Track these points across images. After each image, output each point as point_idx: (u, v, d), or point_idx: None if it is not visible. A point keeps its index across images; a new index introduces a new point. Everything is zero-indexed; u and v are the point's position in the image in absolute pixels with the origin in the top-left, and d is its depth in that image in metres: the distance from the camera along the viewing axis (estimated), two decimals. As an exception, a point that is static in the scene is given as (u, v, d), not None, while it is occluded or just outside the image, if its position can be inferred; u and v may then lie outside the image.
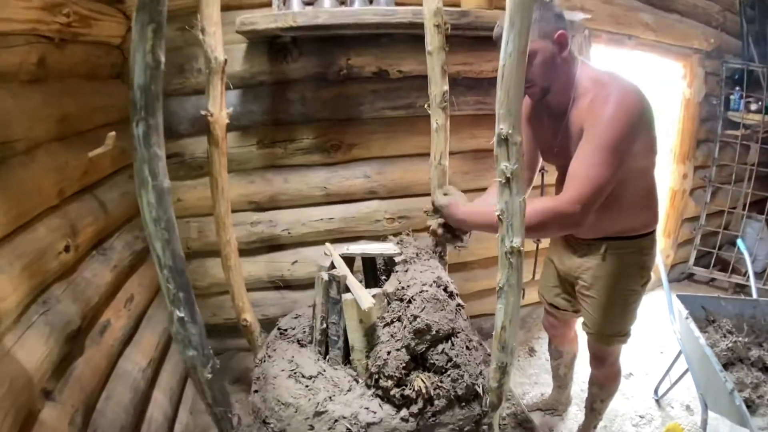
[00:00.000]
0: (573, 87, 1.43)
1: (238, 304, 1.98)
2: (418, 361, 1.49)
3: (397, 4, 1.99)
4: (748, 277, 2.39)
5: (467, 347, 1.62)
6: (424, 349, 1.46)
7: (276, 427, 1.51)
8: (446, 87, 1.69)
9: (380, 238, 2.32)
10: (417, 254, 1.78)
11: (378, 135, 2.30)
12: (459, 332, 1.58)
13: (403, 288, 1.54)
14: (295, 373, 1.58)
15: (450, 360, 1.49)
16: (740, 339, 1.99)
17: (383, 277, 1.89)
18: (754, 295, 2.20)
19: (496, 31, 1.45)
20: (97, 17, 1.75)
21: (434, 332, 1.45)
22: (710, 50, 3.05)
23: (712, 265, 3.41)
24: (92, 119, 1.77)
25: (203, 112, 1.61)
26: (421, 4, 1.67)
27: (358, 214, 2.38)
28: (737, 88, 3.15)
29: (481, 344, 1.75)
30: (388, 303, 1.53)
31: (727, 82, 3.17)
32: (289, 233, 2.36)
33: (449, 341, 1.53)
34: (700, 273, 3.48)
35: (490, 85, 2.31)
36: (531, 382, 2.50)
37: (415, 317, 1.44)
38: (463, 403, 1.52)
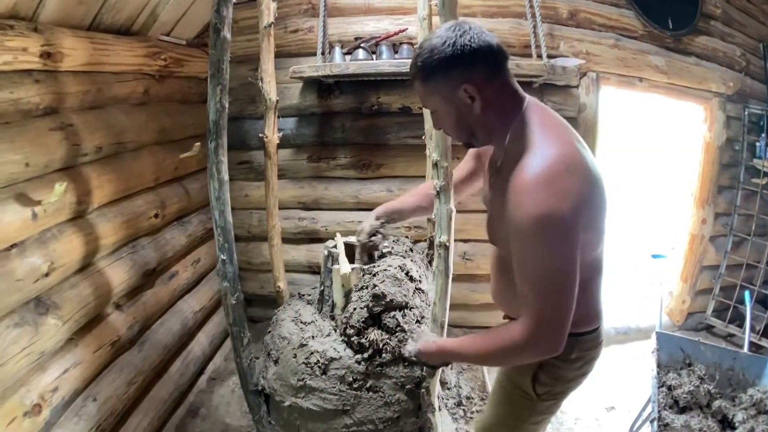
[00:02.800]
0: (506, 136, 1.16)
1: (276, 274, 2.59)
2: (375, 321, 1.88)
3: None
4: (745, 329, 2.26)
5: (417, 321, 1.95)
6: (379, 311, 1.86)
7: (274, 356, 1.99)
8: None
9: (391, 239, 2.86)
10: (406, 252, 2.31)
11: (401, 158, 2.88)
12: (412, 308, 1.96)
13: (374, 266, 2.06)
14: (296, 318, 2.11)
15: (399, 325, 1.85)
16: (707, 386, 1.95)
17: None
18: (745, 349, 2.14)
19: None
20: (188, 59, 2.49)
21: (388, 300, 1.86)
22: (731, 94, 2.95)
23: (728, 319, 3.18)
24: (183, 131, 2.49)
25: (261, 135, 2.30)
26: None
27: (381, 221, 2.97)
28: (763, 135, 2.95)
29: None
30: (363, 275, 2.07)
31: (751, 127, 3.02)
32: (326, 229, 3.00)
33: (402, 311, 1.89)
34: (718, 326, 3.25)
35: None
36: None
37: (375, 285, 1.96)
38: (407, 364, 1.77)
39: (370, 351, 1.81)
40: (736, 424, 1.86)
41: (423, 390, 1.77)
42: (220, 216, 1.78)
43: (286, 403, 1.91)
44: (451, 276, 1.69)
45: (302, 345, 1.93)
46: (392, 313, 1.88)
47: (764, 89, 3.06)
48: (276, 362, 2.00)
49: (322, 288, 2.21)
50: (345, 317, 1.93)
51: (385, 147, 2.89)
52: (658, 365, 2.00)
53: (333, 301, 2.10)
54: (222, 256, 1.83)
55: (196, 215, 2.66)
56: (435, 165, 1.54)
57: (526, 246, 1.06)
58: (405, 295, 1.95)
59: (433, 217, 2.38)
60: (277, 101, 2.26)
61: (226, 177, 1.74)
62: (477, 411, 2.38)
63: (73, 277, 1.68)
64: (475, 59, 1.08)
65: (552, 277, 1.04)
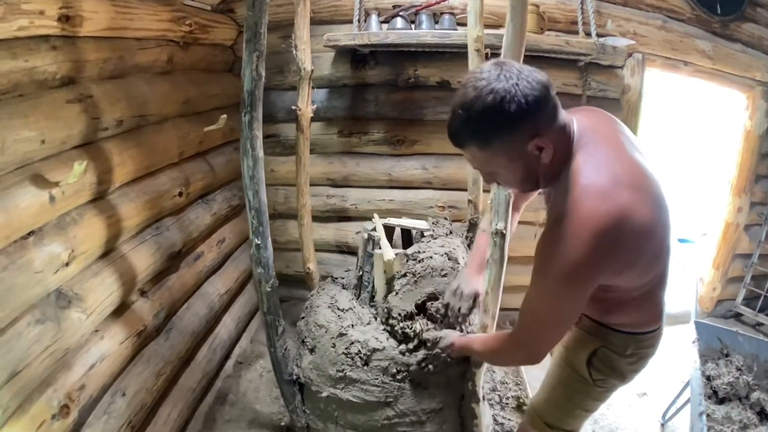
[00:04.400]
0: (563, 171, 1.08)
1: (306, 255, 2.48)
2: (420, 310, 1.80)
3: (459, 24, 2.38)
4: None
5: (467, 311, 1.97)
6: (424, 299, 1.81)
7: (310, 344, 1.91)
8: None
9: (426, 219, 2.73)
10: (446, 234, 2.17)
11: (437, 135, 2.70)
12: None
13: (419, 252, 1.93)
14: (332, 305, 1.99)
15: (446, 315, 1.78)
16: (745, 377, 1.95)
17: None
18: None
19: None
20: (213, 25, 2.33)
21: (432, 290, 1.82)
22: None
23: (758, 308, 3.20)
24: (208, 103, 2.35)
25: (294, 107, 2.13)
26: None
27: (415, 200, 2.81)
28: None
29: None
30: (407, 261, 1.93)
31: None
32: (356, 208, 2.85)
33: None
34: (747, 314, 3.28)
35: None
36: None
37: (421, 275, 1.83)
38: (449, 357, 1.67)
39: (415, 341, 1.72)
40: None
41: (469, 381, 1.73)
42: (254, 196, 1.64)
43: (324, 394, 1.84)
44: (505, 265, 1.59)
45: (341, 334, 1.86)
46: (437, 303, 1.79)
47: None
48: (312, 351, 1.92)
49: (361, 273, 2.09)
50: (387, 306, 1.84)
51: (420, 123, 2.70)
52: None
53: (374, 288, 1.98)
54: (256, 240, 1.70)
55: (221, 192, 2.52)
56: None
57: (537, 278, 1.09)
58: (448, 284, 1.85)
59: (473, 198, 2.28)
60: (312, 71, 2.07)
61: (261, 153, 1.60)
62: (512, 396, 2.33)
63: (95, 264, 1.55)
64: (539, 108, 0.98)
65: (543, 315, 1.14)
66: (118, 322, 1.63)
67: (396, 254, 1.89)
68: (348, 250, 2.95)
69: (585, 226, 0.97)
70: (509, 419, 2.26)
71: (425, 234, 2.13)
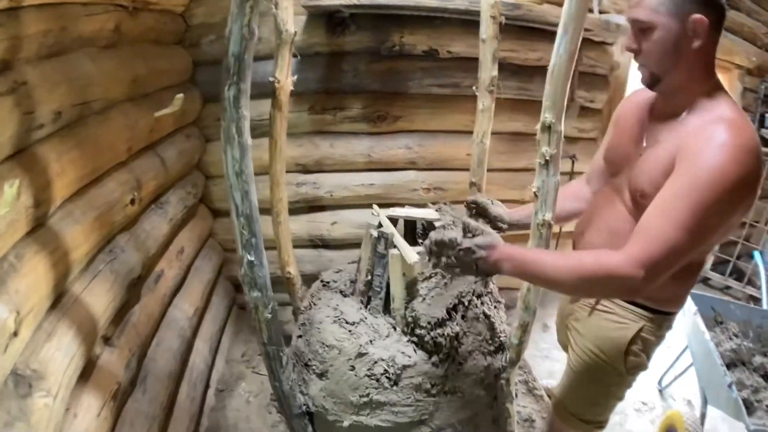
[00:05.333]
0: (693, 96, 1.10)
1: (284, 257, 2.14)
2: (450, 314, 1.61)
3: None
4: (762, 290, 2.44)
5: (495, 306, 1.79)
6: (456, 302, 1.62)
7: (318, 368, 1.65)
8: (495, 72, 1.80)
9: (421, 204, 2.47)
10: (453, 222, 1.93)
11: (422, 110, 2.42)
12: (489, 293, 1.75)
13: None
14: (339, 319, 1.72)
15: (477, 316, 1.64)
16: (745, 343, 2.02)
17: (420, 240, 2.05)
18: (765, 307, 2.26)
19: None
20: None
21: (463, 290, 1.61)
22: (751, 68, 3.14)
23: (728, 273, 3.47)
24: (158, 81, 1.91)
25: (271, 79, 1.74)
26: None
27: (397, 183, 2.53)
28: None
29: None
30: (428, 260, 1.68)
31: (764, 100, 3.26)
32: (331, 195, 2.51)
33: (479, 299, 1.69)
34: (716, 279, 3.53)
35: (534, 72, 2.42)
36: (542, 355, 2.65)
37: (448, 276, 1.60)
38: (487, 356, 1.64)
39: (447, 348, 1.56)
40: None
41: (503, 381, 1.64)
42: (243, 199, 1.27)
43: (345, 423, 1.60)
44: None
45: (361, 354, 1.61)
46: (469, 303, 1.65)
47: None
48: (322, 376, 1.66)
49: (369, 277, 1.79)
50: (414, 315, 1.61)
51: (404, 96, 2.40)
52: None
53: (388, 294, 1.71)
54: (248, 257, 1.34)
55: (174, 191, 2.07)
56: (548, 128, 1.21)
57: (692, 183, 0.99)
58: (478, 282, 1.71)
59: (475, 180, 2.06)
60: (295, 34, 1.68)
61: (249, 141, 1.23)
62: (520, 381, 2.27)
63: (46, 322, 1.13)
64: (716, 4, 1.04)
65: (695, 221, 0.98)
66: (88, 389, 1.23)
67: (418, 253, 1.63)
68: (322, 244, 2.62)
69: (741, 143, 0.98)
70: (524, 406, 2.19)
71: (436, 225, 1.87)
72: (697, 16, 1.01)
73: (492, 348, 1.68)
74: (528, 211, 1.52)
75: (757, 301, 3.26)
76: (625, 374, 1.34)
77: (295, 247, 2.59)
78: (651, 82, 1.14)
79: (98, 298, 1.35)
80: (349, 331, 1.70)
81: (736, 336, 2.05)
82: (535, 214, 1.31)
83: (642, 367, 1.35)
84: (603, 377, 1.37)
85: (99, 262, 1.42)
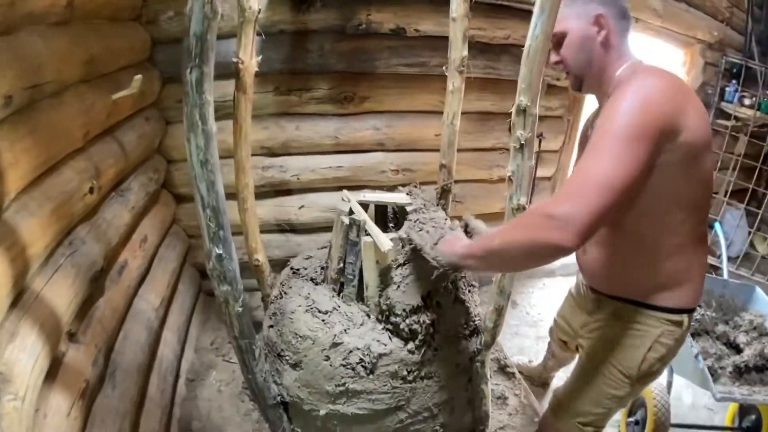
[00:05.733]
0: (611, 83, 1.19)
1: (251, 244, 2.09)
2: (425, 301, 1.61)
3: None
4: (722, 259, 2.52)
5: (468, 290, 1.82)
6: (430, 289, 1.63)
7: (291, 359, 1.62)
8: (465, 52, 1.78)
9: (393, 189, 2.45)
10: (424, 205, 1.93)
11: (390, 90, 2.39)
12: (462, 276, 1.75)
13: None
14: (311, 308, 1.69)
15: (456, 299, 1.65)
16: (708, 313, 2.07)
17: (391, 224, 2.05)
18: (725, 276, 2.31)
19: None
20: None
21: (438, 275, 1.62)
22: (713, 42, 3.14)
23: None
24: (115, 61, 1.79)
25: (235, 60, 1.66)
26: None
27: (366, 164, 2.50)
28: (734, 81, 3.26)
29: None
30: (402, 246, 1.68)
31: (724, 74, 3.28)
32: (298, 179, 2.47)
33: (453, 284, 1.69)
34: None
35: (501, 50, 2.41)
36: (511, 332, 2.70)
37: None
38: (462, 340, 1.65)
39: (423, 335, 1.55)
40: (741, 346, 1.95)
41: (478, 363, 1.66)
42: (209, 190, 1.21)
43: (321, 412, 1.59)
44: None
45: (335, 344, 1.59)
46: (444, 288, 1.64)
47: (742, 40, 3.26)
48: (296, 366, 1.63)
49: (342, 265, 1.78)
50: (388, 303, 1.59)
51: (372, 76, 2.36)
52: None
53: (364, 281, 1.70)
54: (217, 250, 1.28)
55: (135, 177, 1.97)
56: (523, 111, 1.19)
57: (603, 129, 1.03)
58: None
59: (445, 162, 2.06)
60: (259, 11, 1.61)
61: (214, 128, 1.15)
62: (491, 359, 2.26)
63: (8, 321, 1.06)
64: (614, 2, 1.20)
65: (599, 173, 0.97)
66: (56, 389, 1.17)
67: (392, 239, 1.62)
68: (290, 228, 2.58)
69: (643, 85, 1.06)
70: (497, 384, 2.25)
71: (407, 209, 1.87)
72: (598, 12, 1.17)
73: (467, 332, 1.70)
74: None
75: (717, 270, 3.30)
76: (637, 384, 1.33)
77: (262, 232, 2.53)
78: (577, 84, 1.27)
79: (60, 293, 1.28)
80: (323, 320, 1.67)
81: (699, 306, 2.09)
82: (509, 198, 1.30)
83: (657, 375, 1.34)
84: (613, 384, 1.34)
85: (59, 256, 1.33)
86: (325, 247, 2.14)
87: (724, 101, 3.34)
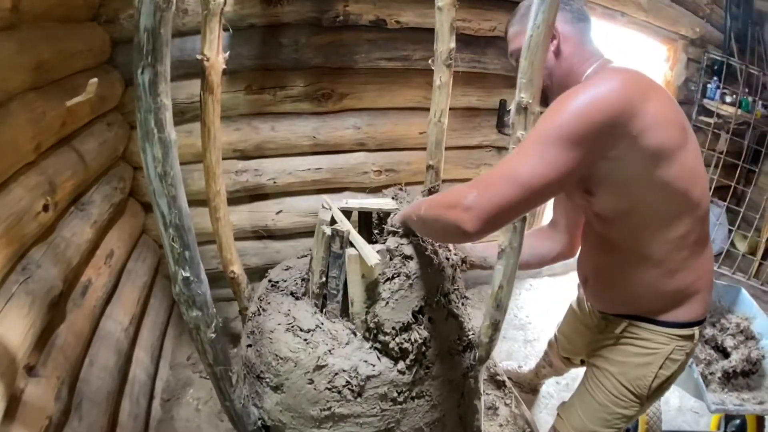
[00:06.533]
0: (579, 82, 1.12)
1: (226, 255, 1.95)
2: (416, 317, 1.52)
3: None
4: None
5: (462, 303, 1.71)
6: (422, 305, 1.52)
7: (272, 381, 1.50)
8: (453, 44, 1.65)
9: (375, 191, 2.33)
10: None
11: (371, 86, 2.25)
12: (456, 289, 1.64)
13: (402, 244, 1.56)
14: (292, 326, 1.57)
15: (449, 314, 1.55)
16: None
17: (376, 231, 1.92)
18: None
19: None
20: None
21: (429, 290, 1.50)
22: (695, 38, 3.14)
23: None
24: (69, 65, 1.63)
25: (199, 57, 1.51)
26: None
27: (346, 166, 2.36)
28: (715, 78, 3.25)
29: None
30: (390, 259, 1.55)
31: (706, 71, 3.27)
32: (274, 182, 2.31)
33: (446, 297, 1.59)
34: None
35: (486, 43, 2.29)
36: (501, 336, 2.62)
37: (417, 275, 1.48)
38: (455, 356, 1.56)
39: (415, 354, 1.44)
40: (729, 350, 1.93)
41: (471, 379, 1.59)
42: (170, 207, 1.05)
43: None
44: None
45: (320, 367, 1.46)
46: (436, 301, 1.53)
47: (722, 37, 3.29)
48: (278, 389, 1.51)
49: (324, 279, 1.64)
50: (377, 321, 1.47)
51: (351, 71, 2.21)
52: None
53: (349, 297, 1.57)
54: (183, 273, 1.12)
55: (98, 189, 1.80)
56: (524, 110, 1.07)
57: (536, 127, 0.97)
58: (446, 277, 1.59)
59: (432, 163, 1.94)
60: (225, 3, 1.46)
61: (172, 135, 1.00)
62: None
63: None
64: (563, 3, 1.10)
65: (531, 147, 0.94)
66: (15, 429, 1.03)
67: (378, 251, 1.49)
68: (268, 234, 2.43)
69: (590, 86, 0.95)
70: (487, 393, 2.17)
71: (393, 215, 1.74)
72: None
73: (460, 347, 1.60)
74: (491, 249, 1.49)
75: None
76: (647, 402, 1.29)
77: (238, 239, 2.38)
78: (542, 99, 1.11)
79: (14, 325, 1.13)
80: (305, 340, 1.54)
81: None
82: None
83: (666, 390, 1.31)
84: (623, 404, 1.30)
85: (11, 284, 1.18)
86: (305, 256, 2.00)
87: (706, 98, 3.32)
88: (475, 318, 1.68)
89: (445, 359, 1.54)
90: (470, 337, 1.61)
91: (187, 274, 1.14)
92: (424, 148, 2.43)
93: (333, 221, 1.63)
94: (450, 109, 2.36)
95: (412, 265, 1.49)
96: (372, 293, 1.52)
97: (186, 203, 1.08)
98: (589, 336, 1.46)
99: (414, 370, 1.46)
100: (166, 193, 1.03)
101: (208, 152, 1.71)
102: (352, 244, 1.51)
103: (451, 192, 1.06)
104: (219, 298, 2.59)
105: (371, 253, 1.44)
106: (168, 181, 1.02)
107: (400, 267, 1.51)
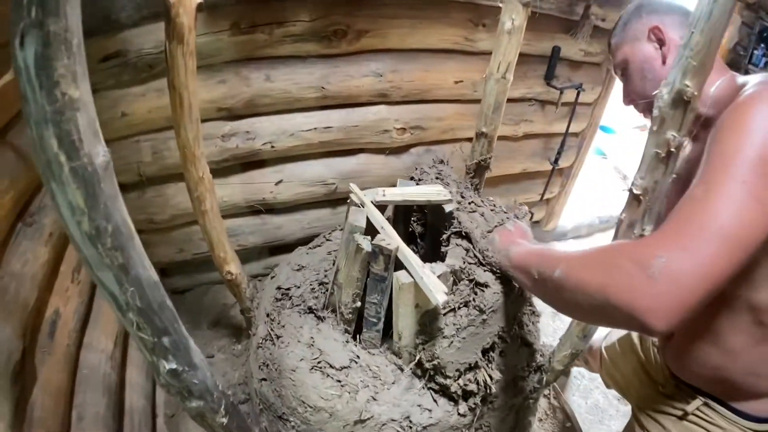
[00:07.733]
0: (704, 103, 0.90)
1: (219, 254, 1.51)
2: (486, 354, 1.20)
3: None
4: None
5: (533, 322, 1.39)
6: (494, 341, 1.15)
7: (300, 427, 1.22)
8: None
9: (396, 152, 1.90)
10: (462, 195, 1.38)
11: (399, 20, 1.69)
12: (528, 306, 1.39)
13: (471, 264, 1.16)
14: (320, 364, 1.22)
15: (522, 342, 1.30)
16: None
17: (413, 220, 1.51)
18: None
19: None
20: None
21: (503, 325, 1.15)
22: (751, 2, 3.00)
23: None
24: None
25: (163, -8, 0.97)
26: None
27: (363, 123, 1.86)
28: (762, 46, 3.14)
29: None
30: (455, 283, 1.15)
31: (758, 36, 3.15)
32: (272, 147, 1.81)
33: (519, 324, 1.30)
34: None
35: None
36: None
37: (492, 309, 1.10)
38: (520, 381, 1.31)
39: (480, 396, 1.19)
40: None
41: (531, 401, 1.42)
42: (120, 283, 0.58)
43: None
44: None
45: (362, 420, 1.16)
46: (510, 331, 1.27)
47: None
48: None
49: (358, 304, 1.23)
50: (436, 362, 1.14)
51: (372, 2, 1.62)
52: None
53: (395, 328, 1.19)
54: (166, 365, 0.71)
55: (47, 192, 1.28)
56: (683, 103, 0.78)
57: (722, 141, 0.74)
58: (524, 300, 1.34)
59: (486, 130, 1.48)
60: None
61: (102, 155, 0.51)
62: None
63: None
64: (665, 5, 1.03)
65: (732, 185, 0.68)
66: None
67: (439, 276, 1.07)
68: (266, 209, 1.97)
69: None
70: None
71: (446, 208, 1.30)
72: (652, 24, 1.00)
73: (527, 373, 1.35)
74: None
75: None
76: None
77: (230, 216, 1.95)
78: (647, 108, 1.03)
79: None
80: (339, 381, 1.20)
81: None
82: (627, 223, 0.93)
83: None
84: None
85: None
86: (319, 246, 1.58)
87: (751, 64, 3.20)
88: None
89: (509, 387, 1.29)
90: (538, 360, 1.36)
91: (173, 366, 0.73)
92: (459, 101, 1.98)
93: (369, 226, 1.19)
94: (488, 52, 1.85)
95: (488, 297, 1.10)
96: (428, 327, 1.14)
97: (150, 266, 0.63)
98: (649, 390, 1.19)
99: (477, 409, 1.21)
100: (107, 263, 0.57)
101: (182, 128, 1.22)
102: (405, 268, 1.08)
103: (614, 252, 0.73)
104: (214, 281, 2.20)
105: (437, 287, 1.01)
106: (105, 243, 0.55)
107: (469, 295, 1.12)
